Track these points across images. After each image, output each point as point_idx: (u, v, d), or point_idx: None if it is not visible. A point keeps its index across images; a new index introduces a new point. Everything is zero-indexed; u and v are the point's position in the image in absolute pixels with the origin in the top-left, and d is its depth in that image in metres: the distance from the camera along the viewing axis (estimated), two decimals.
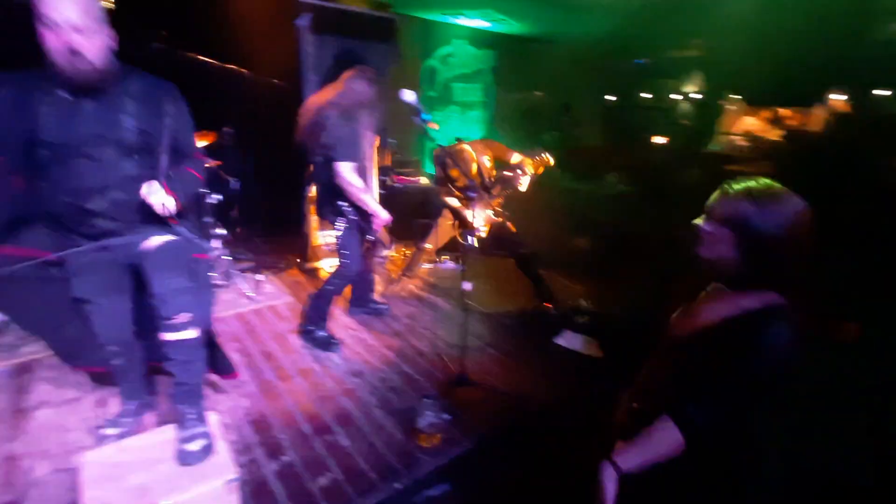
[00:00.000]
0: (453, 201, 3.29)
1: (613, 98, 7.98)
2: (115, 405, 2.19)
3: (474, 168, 3.17)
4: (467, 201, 3.20)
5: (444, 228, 3.50)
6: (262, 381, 2.48)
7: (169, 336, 1.71)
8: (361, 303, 3.24)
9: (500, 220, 3.30)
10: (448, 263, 4.18)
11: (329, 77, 3.83)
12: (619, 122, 7.55)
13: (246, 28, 3.98)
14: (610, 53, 6.80)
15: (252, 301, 3.39)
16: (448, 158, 3.00)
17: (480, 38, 6.40)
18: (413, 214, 4.14)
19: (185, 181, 1.72)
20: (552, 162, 3.20)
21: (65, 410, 2.20)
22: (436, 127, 2.26)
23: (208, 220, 3.47)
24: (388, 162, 4.43)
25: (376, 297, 3.34)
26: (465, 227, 3.22)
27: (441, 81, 6.18)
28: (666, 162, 5.39)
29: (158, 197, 1.58)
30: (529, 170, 3.11)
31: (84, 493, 1.51)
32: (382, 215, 2.67)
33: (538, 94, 7.54)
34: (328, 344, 2.80)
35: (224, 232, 3.51)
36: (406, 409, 2.26)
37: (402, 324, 3.17)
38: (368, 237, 2.78)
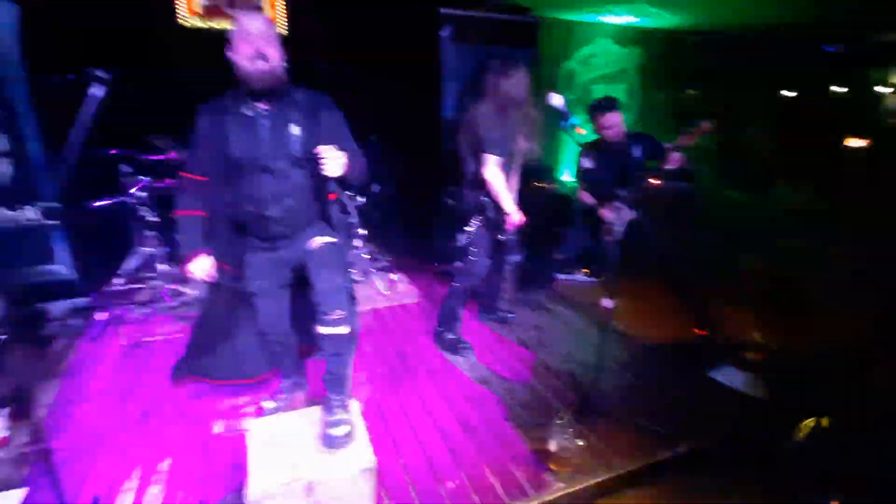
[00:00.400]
0: (593, 202, 3.11)
1: (792, 94, 6.77)
2: (274, 380, 2.49)
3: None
4: (611, 204, 2.98)
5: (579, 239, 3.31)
6: (394, 377, 2.60)
7: (324, 330, 1.87)
8: (490, 309, 3.22)
9: (648, 227, 3.00)
10: (581, 276, 3.94)
11: (471, 83, 3.91)
12: (798, 122, 6.38)
13: (391, 42, 4.28)
14: (787, 41, 5.79)
15: (387, 298, 3.60)
16: (593, 154, 2.90)
17: (627, 35, 5.98)
18: (546, 222, 4.00)
19: (355, 157, 1.83)
20: (710, 127, 2.83)
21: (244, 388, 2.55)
22: (583, 132, 2.15)
23: (353, 220, 3.78)
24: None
25: (503, 304, 3.29)
26: (605, 233, 2.98)
27: (580, 84, 5.92)
28: (867, 169, 4.38)
29: (334, 156, 1.67)
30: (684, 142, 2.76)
31: (249, 456, 1.72)
32: (517, 216, 2.61)
33: (692, 92, 6.77)
34: (457, 347, 2.82)
35: (364, 232, 3.79)
36: (535, 426, 2.15)
37: (531, 335, 3.06)
38: (500, 237, 2.73)
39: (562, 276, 3.90)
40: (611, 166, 3.06)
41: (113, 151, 3.20)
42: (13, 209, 3.07)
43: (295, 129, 1.77)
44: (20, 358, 1.21)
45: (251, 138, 1.76)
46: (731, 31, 5.86)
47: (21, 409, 2.17)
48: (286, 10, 4.12)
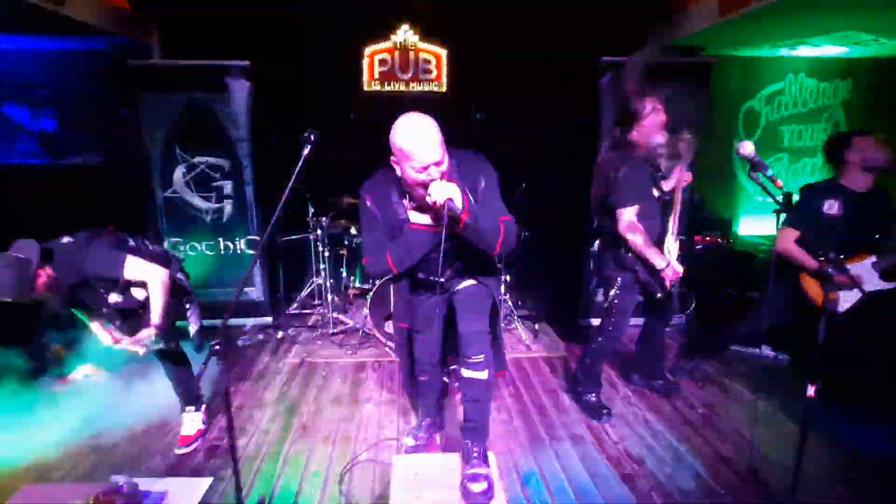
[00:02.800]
0: (814, 264, 2.41)
1: None
2: (413, 417, 2.54)
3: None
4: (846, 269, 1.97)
5: (770, 313, 2.73)
6: (533, 434, 2.43)
7: (466, 373, 1.86)
8: (647, 374, 2.85)
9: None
10: (767, 351, 3.28)
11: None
12: None
13: (550, 92, 4.32)
14: None
15: (529, 349, 3.46)
16: (839, 197, 2.39)
17: (827, 69, 5.10)
18: (721, 284, 3.47)
19: (486, 217, 1.69)
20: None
21: (383, 409, 2.68)
22: (780, 185, 1.77)
23: (498, 265, 3.79)
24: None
25: (666, 373, 2.88)
26: (828, 302, 2.41)
27: (764, 125, 5.18)
28: None
29: (443, 189, 1.56)
30: None
31: (393, 491, 1.75)
32: (670, 271, 2.29)
33: None
34: (598, 412, 2.55)
35: (509, 278, 3.76)
36: None
37: (697, 413, 2.60)
38: (658, 295, 2.41)
39: (739, 348, 3.29)
40: (864, 214, 2.38)
41: (307, 195, 3.82)
42: (232, 241, 3.83)
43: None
44: (222, 364, 1.43)
45: (418, 215, 1.80)
46: None
47: (215, 407, 2.57)
48: (448, 68, 4.52)
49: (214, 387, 2.75)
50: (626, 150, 2.34)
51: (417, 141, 1.59)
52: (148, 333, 2.09)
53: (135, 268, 2.05)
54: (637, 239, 2.28)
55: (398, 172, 1.71)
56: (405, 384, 2.63)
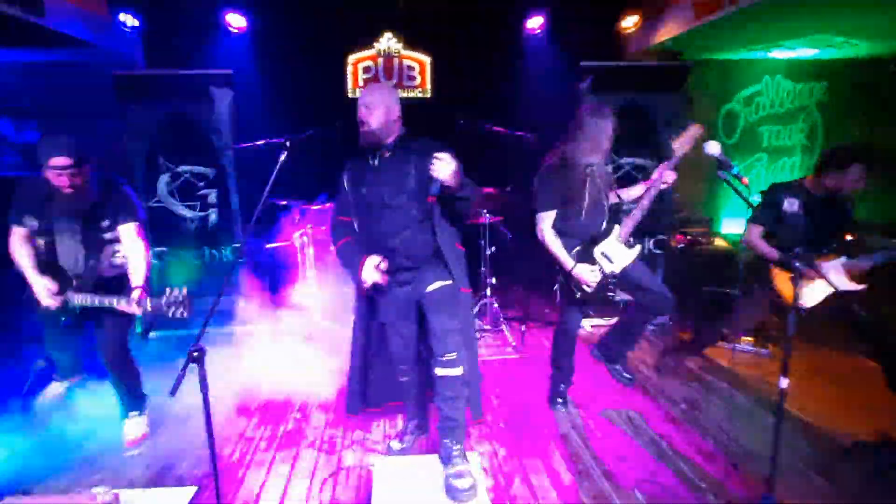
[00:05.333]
0: (776, 257, 2.49)
1: None
2: (400, 422, 2.55)
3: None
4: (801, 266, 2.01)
5: (749, 309, 2.77)
6: (519, 435, 2.45)
7: (440, 371, 1.90)
8: (608, 354, 2.72)
9: (857, 295, 2.38)
10: (747, 346, 3.34)
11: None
12: None
13: (533, 96, 4.38)
14: None
15: (515, 350, 3.49)
16: (801, 197, 2.43)
17: (804, 70, 5.22)
18: (704, 282, 3.52)
19: (469, 183, 1.92)
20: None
21: (368, 413, 2.65)
22: (746, 182, 1.83)
23: (484, 269, 3.82)
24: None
25: (630, 364, 2.86)
26: (789, 300, 2.46)
27: (743, 126, 5.28)
28: None
29: (445, 158, 1.76)
30: None
31: (375, 494, 1.76)
32: (578, 271, 2.32)
33: None
34: (553, 399, 2.70)
35: (494, 281, 3.79)
36: None
37: (679, 409, 2.64)
38: (577, 295, 2.43)
39: (719, 344, 3.34)
40: (824, 217, 2.46)
41: (283, 202, 3.82)
42: (217, 249, 3.82)
43: (410, 170, 1.96)
44: (202, 371, 1.43)
45: (377, 181, 1.98)
46: None
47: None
48: (432, 76, 4.58)
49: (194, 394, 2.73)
50: (567, 146, 2.36)
51: (363, 92, 1.99)
52: (136, 295, 2.12)
53: (142, 230, 2.28)
54: (548, 242, 2.37)
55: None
56: (350, 403, 2.41)
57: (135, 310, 2.12)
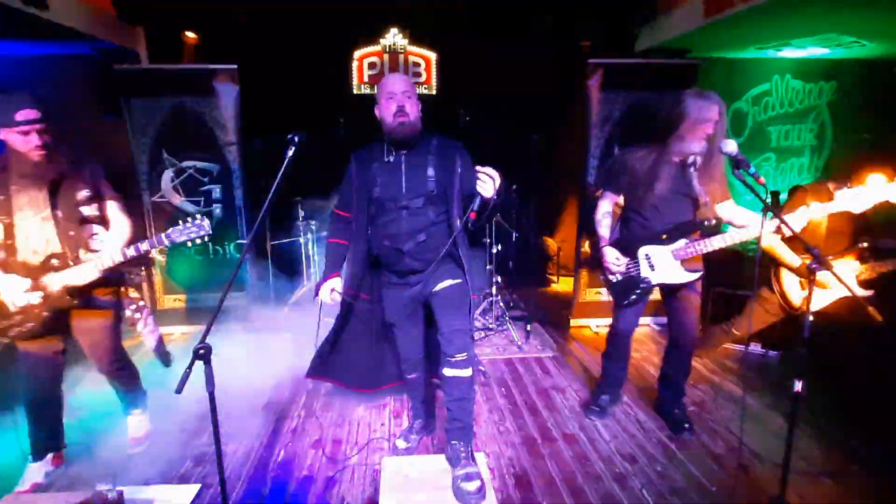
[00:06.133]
0: (790, 262, 2.43)
1: None
2: (405, 420, 2.53)
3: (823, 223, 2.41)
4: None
5: (759, 311, 2.72)
6: (526, 435, 2.42)
7: (448, 372, 1.87)
8: (662, 406, 2.58)
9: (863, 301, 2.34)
10: (757, 348, 3.30)
11: (622, 130, 3.74)
12: None
13: (538, 94, 4.34)
14: None
15: (520, 350, 3.46)
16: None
17: (813, 70, 5.17)
18: (713, 283, 3.46)
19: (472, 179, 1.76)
20: None
21: (374, 411, 2.66)
22: (763, 182, 1.77)
23: (490, 267, 3.80)
24: None
25: (640, 365, 2.88)
26: (793, 302, 2.45)
27: (751, 125, 5.23)
28: None
29: (492, 182, 1.63)
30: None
31: (382, 494, 1.73)
32: (603, 253, 2.27)
33: None
34: (588, 409, 2.60)
35: (500, 279, 3.76)
36: None
37: (688, 411, 2.61)
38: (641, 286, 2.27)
39: (729, 346, 3.31)
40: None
41: (288, 199, 3.80)
42: (221, 245, 3.80)
43: (429, 171, 1.88)
44: (207, 368, 1.41)
45: (392, 180, 1.89)
46: None
47: (203, 414, 2.53)
48: (438, 72, 4.54)
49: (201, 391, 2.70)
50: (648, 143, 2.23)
51: (390, 77, 1.87)
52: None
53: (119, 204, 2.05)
54: (595, 220, 2.36)
55: (377, 114, 1.89)
56: (311, 368, 2.40)
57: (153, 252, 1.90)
